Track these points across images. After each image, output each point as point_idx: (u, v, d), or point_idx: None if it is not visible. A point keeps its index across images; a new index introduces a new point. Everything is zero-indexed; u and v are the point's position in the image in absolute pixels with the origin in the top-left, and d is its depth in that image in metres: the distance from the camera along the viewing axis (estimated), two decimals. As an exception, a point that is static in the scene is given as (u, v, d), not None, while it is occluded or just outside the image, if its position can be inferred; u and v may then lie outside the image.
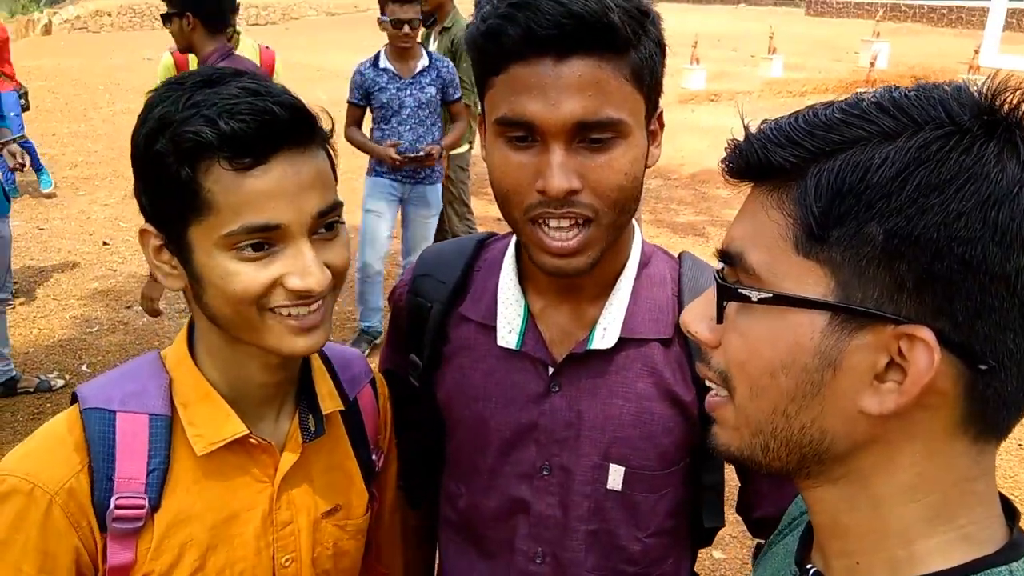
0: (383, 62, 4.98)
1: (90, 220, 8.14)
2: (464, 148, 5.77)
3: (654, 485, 1.27)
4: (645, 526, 1.29)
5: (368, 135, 5.19)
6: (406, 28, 4.81)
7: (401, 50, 4.92)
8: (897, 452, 0.71)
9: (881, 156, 0.66)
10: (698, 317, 0.80)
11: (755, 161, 0.72)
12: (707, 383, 0.81)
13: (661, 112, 1.19)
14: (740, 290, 0.73)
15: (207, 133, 0.97)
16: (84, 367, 5.31)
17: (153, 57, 18.10)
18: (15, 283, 5.98)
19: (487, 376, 1.29)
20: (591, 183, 1.08)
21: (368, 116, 5.19)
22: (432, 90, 5.04)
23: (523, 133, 1.09)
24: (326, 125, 1.09)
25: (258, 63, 4.78)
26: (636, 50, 1.07)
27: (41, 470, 1.05)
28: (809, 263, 0.69)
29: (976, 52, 14.04)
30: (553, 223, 1.10)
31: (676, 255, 1.36)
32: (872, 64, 13.34)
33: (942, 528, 0.71)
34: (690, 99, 14.10)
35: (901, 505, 0.72)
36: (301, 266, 1.02)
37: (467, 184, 5.91)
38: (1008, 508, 0.75)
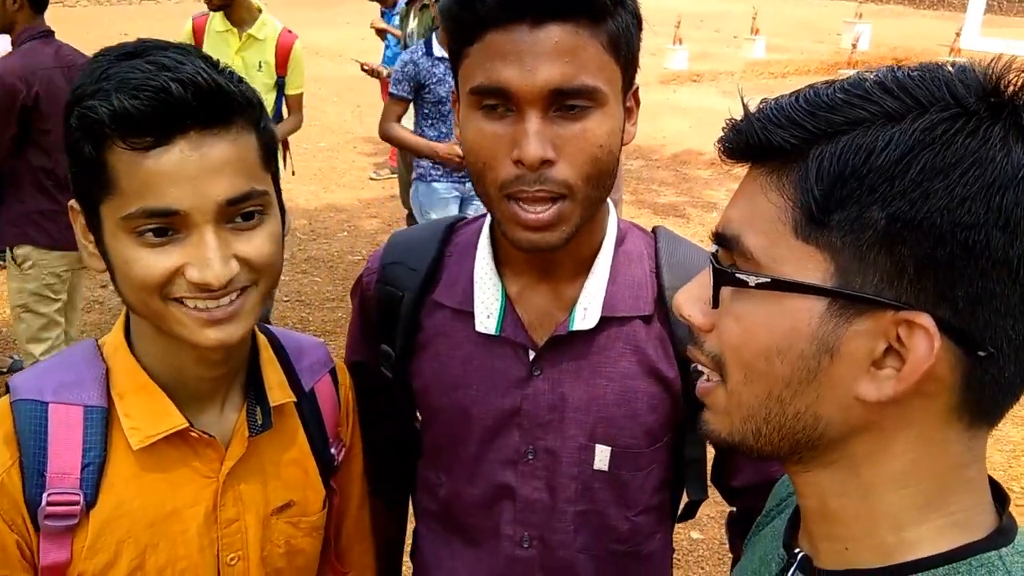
0: (438, 50, 4.33)
1: (66, 197, 8.04)
2: None
3: (640, 463, 1.26)
4: (633, 504, 1.28)
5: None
6: None
7: None
8: (891, 439, 0.70)
9: (885, 138, 0.64)
10: (691, 300, 0.78)
11: (754, 141, 0.71)
12: (699, 367, 0.79)
13: (637, 88, 1.17)
14: (737, 274, 0.71)
15: (101, 110, 0.91)
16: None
17: (129, 33, 17.84)
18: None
19: (465, 363, 1.27)
20: (566, 154, 1.06)
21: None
22: None
23: (498, 102, 1.07)
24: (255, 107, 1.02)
25: (274, 46, 4.52)
26: (613, 19, 1.06)
27: None
28: (808, 247, 0.68)
29: (957, 35, 14.11)
30: (527, 200, 1.08)
31: (650, 230, 1.35)
32: (854, 46, 13.37)
33: (933, 514, 0.71)
34: (672, 79, 14.07)
35: (892, 491, 0.71)
36: (200, 257, 0.95)
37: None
38: (998, 493, 0.75)
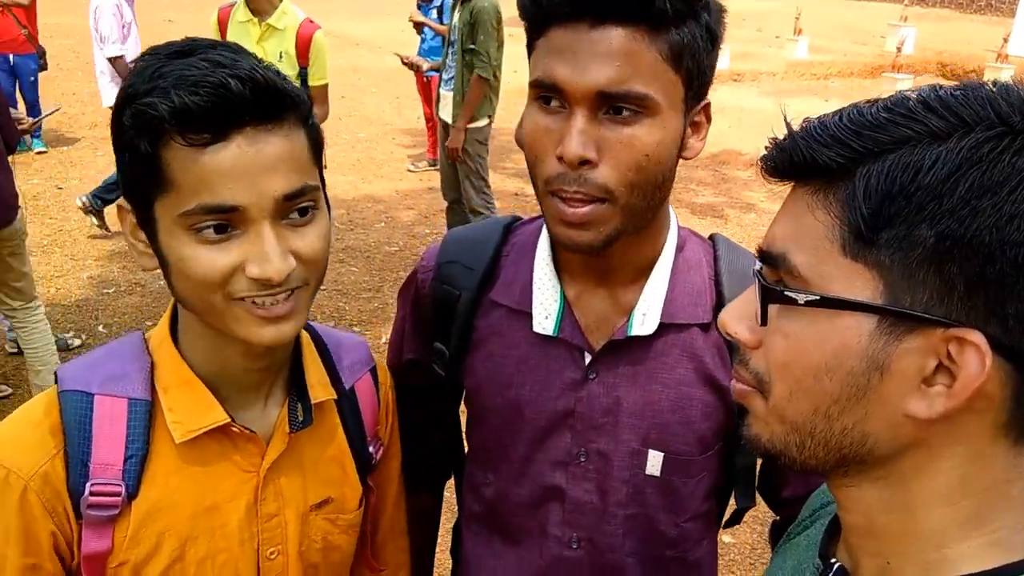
0: None
1: (109, 181, 8.15)
2: (484, 122, 5.74)
3: (692, 470, 1.26)
4: (683, 510, 1.28)
5: None
6: None
7: None
8: (939, 455, 0.70)
9: (932, 157, 0.64)
10: (737, 317, 0.78)
11: (799, 160, 0.71)
12: (738, 384, 0.79)
13: (708, 105, 1.16)
14: (787, 292, 0.71)
15: (160, 107, 0.92)
16: (100, 327, 5.34)
17: (175, 19, 18.05)
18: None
19: (520, 363, 1.27)
20: (609, 157, 1.06)
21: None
22: None
23: (552, 96, 1.08)
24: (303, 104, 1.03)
25: (294, 36, 4.46)
26: (677, 29, 1.05)
27: (15, 454, 1.03)
28: (856, 265, 0.68)
29: (1005, 40, 13.85)
30: (567, 196, 1.09)
31: (708, 237, 1.34)
32: (899, 49, 13.18)
33: (975, 532, 0.71)
34: (713, 78, 13.96)
35: (938, 508, 0.71)
36: (260, 252, 0.95)
37: (485, 159, 5.87)
38: None
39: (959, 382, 0.65)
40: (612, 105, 1.05)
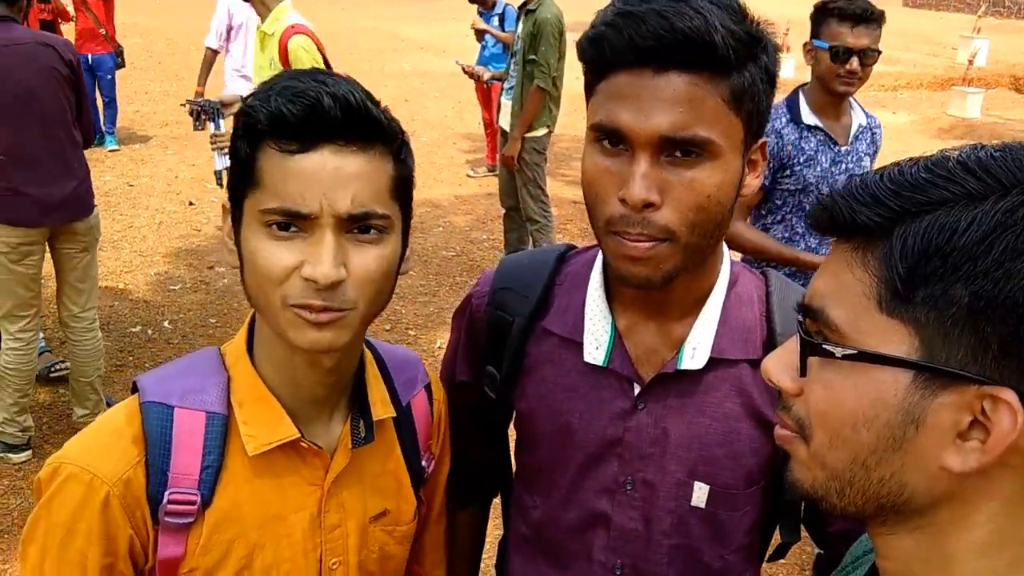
0: (808, 116, 3.18)
1: (178, 179, 8.37)
2: (542, 131, 5.77)
3: (737, 504, 1.27)
4: (727, 543, 1.29)
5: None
6: (855, 63, 3.03)
7: (839, 98, 3.16)
8: (975, 508, 0.71)
9: (967, 219, 0.66)
10: (780, 366, 0.81)
11: (840, 219, 0.74)
12: (782, 429, 0.82)
13: (764, 143, 1.18)
14: (824, 345, 0.74)
15: (260, 112, 1.02)
16: (166, 323, 5.50)
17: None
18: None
19: (570, 391, 1.29)
20: (672, 199, 1.08)
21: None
22: (867, 162, 3.28)
23: (614, 140, 1.10)
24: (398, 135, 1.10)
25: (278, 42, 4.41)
26: (738, 73, 1.07)
27: (100, 461, 1.08)
28: (893, 321, 0.70)
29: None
30: (630, 236, 1.11)
31: (760, 272, 1.35)
32: (971, 61, 12.87)
33: None
34: (778, 88, 13.77)
35: (974, 560, 0.73)
36: (315, 254, 1.02)
37: (542, 167, 5.91)
38: None
39: (992, 438, 0.67)
40: (675, 149, 1.07)
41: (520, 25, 5.68)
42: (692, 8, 1.03)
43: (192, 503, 1.10)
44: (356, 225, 1.04)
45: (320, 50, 4.43)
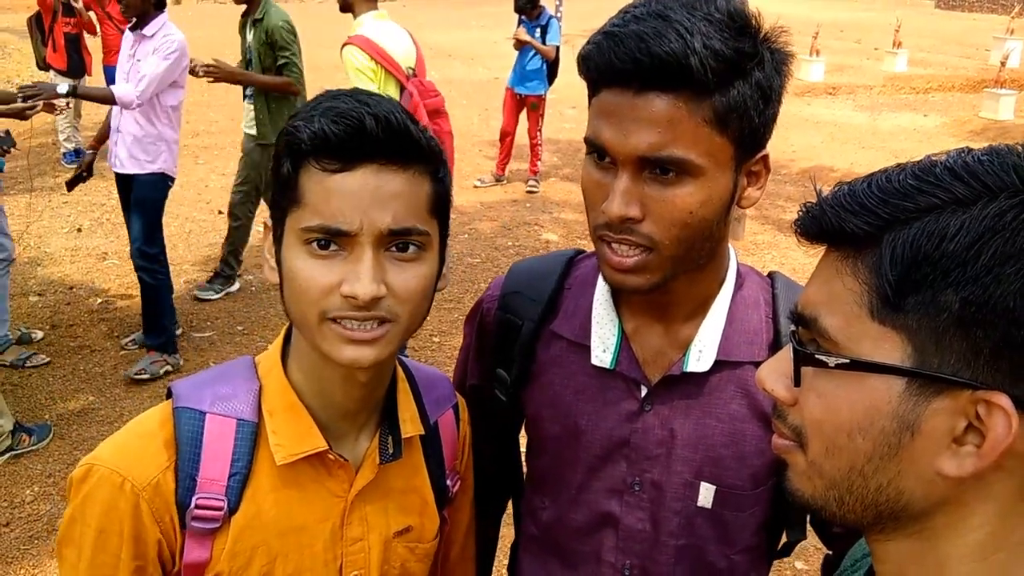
0: None
1: (208, 188, 8.47)
2: None
3: (743, 504, 1.28)
4: (733, 543, 1.30)
5: None
6: None
7: None
8: (970, 512, 0.71)
9: (956, 225, 0.66)
10: (774, 375, 0.80)
11: (829, 227, 0.74)
12: (779, 439, 0.82)
13: (766, 156, 1.17)
14: (817, 355, 0.74)
15: (304, 131, 1.03)
16: (194, 332, 5.56)
17: (274, 30, 18.55)
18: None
19: (578, 393, 1.31)
20: (653, 214, 1.09)
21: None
22: None
23: (601, 155, 1.11)
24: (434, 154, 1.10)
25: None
26: (722, 93, 1.06)
27: (131, 464, 1.10)
28: (885, 329, 0.70)
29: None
30: (614, 244, 1.13)
31: (766, 275, 1.36)
32: (1003, 63, 12.70)
33: None
34: (806, 91, 13.73)
35: (968, 563, 0.73)
36: (355, 272, 1.03)
37: None
38: None
39: (987, 443, 0.67)
40: (655, 167, 1.08)
41: (250, 35, 5.64)
42: (675, 30, 1.02)
43: (219, 509, 1.11)
44: (395, 242, 1.05)
45: (381, 59, 4.50)
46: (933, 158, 0.72)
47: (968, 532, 0.72)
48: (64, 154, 8.92)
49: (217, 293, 6.08)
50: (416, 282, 1.07)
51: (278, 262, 1.10)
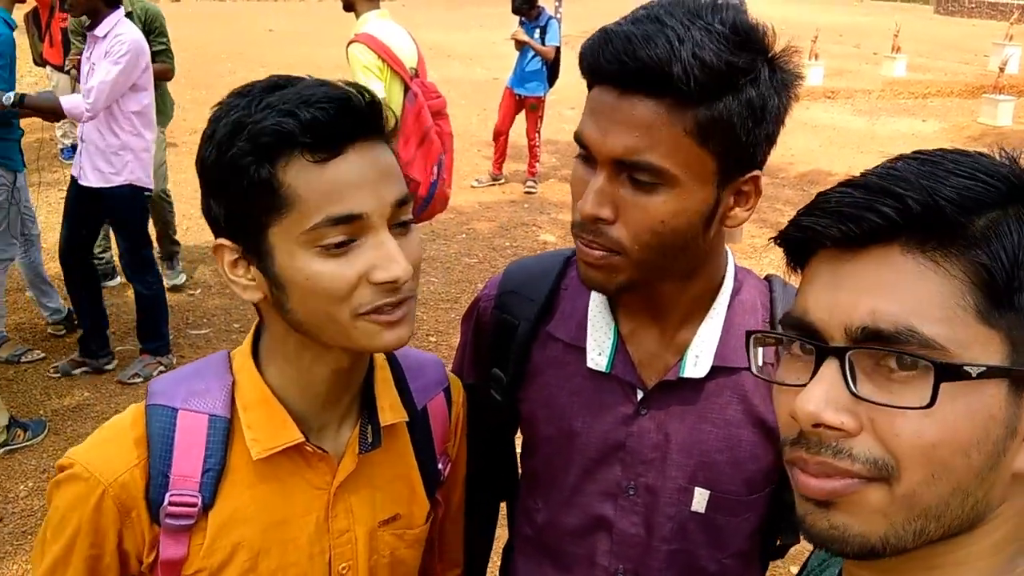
0: None
1: (204, 185, 8.43)
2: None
3: (737, 510, 1.27)
4: (725, 547, 1.29)
5: None
6: None
7: None
8: (1009, 507, 0.69)
9: None
10: (829, 405, 0.67)
11: (917, 208, 0.65)
12: (837, 481, 0.68)
13: (758, 177, 1.13)
14: (965, 367, 0.64)
15: (288, 124, 0.96)
16: (191, 328, 5.55)
17: (275, 29, 18.56)
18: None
19: (574, 395, 1.30)
20: (624, 217, 1.08)
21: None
22: None
23: (586, 151, 1.11)
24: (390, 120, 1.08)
25: None
26: (707, 106, 1.03)
27: (100, 461, 1.10)
28: (990, 330, 0.65)
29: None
30: (585, 242, 1.13)
31: (763, 278, 1.34)
32: (1002, 69, 12.69)
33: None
34: (805, 95, 13.67)
35: (985, 559, 0.71)
36: (385, 256, 1.00)
37: None
38: None
39: None
40: (630, 171, 1.07)
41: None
42: (666, 36, 1.00)
43: (192, 505, 1.10)
44: (401, 215, 1.04)
45: (387, 57, 4.47)
46: (944, 151, 0.70)
47: (998, 528, 0.70)
48: (62, 150, 8.89)
49: (181, 273, 6.16)
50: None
51: (273, 277, 1.03)
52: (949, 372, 0.63)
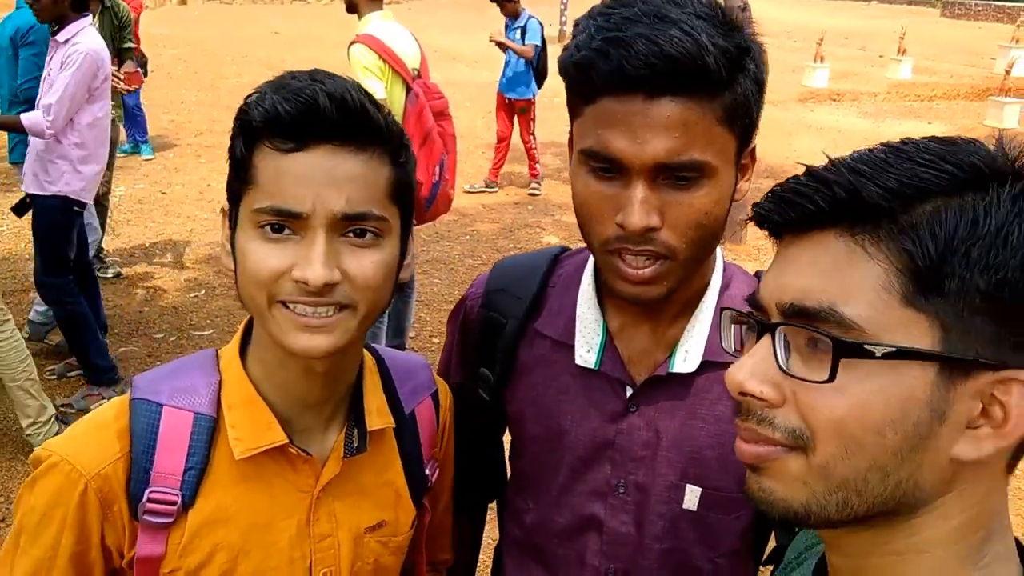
0: None
1: (210, 188, 8.46)
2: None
3: (729, 507, 1.26)
4: (718, 546, 1.28)
5: None
6: None
7: None
8: (960, 495, 0.70)
9: (982, 209, 0.66)
10: (755, 376, 0.73)
11: (842, 195, 0.68)
12: (759, 447, 0.74)
13: (754, 147, 1.15)
14: (866, 345, 0.67)
15: (255, 110, 1.01)
16: (195, 330, 5.56)
17: (281, 31, 18.60)
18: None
19: (562, 393, 1.29)
20: (671, 220, 1.07)
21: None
22: None
23: (608, 166, 1.08)
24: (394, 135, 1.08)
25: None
26: (730, 90, 1.04)
27: (82, 453, 1.08)
28: (916, 314, 0.67)
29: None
30: (630, 256, 1.10)
31: (753, 273, 1.34)
32: (1008, 72, 12.67)
33: (971, 566, 0.71)
34: (810, 97, 13.70)
35: (947, 546, 0.71)
36: (306, 256, 0.99)
37: None
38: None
39: (1012, 422, 0.66)
40: (672, 173, 1.05)
41: (98, 21, 5.57)
42: (680, 29, 0.99)
43: (172, 503, 1.09)
44: (351, 228, 1.02)
45: (388, 58, 4.43)
46: (891, 143, 0.71)
47: (955, 515, 0.70)
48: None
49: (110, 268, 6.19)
50: (373, 269, 1.04)
51: (233, 247, 1.07)
52: (847, 349, 0.67)
